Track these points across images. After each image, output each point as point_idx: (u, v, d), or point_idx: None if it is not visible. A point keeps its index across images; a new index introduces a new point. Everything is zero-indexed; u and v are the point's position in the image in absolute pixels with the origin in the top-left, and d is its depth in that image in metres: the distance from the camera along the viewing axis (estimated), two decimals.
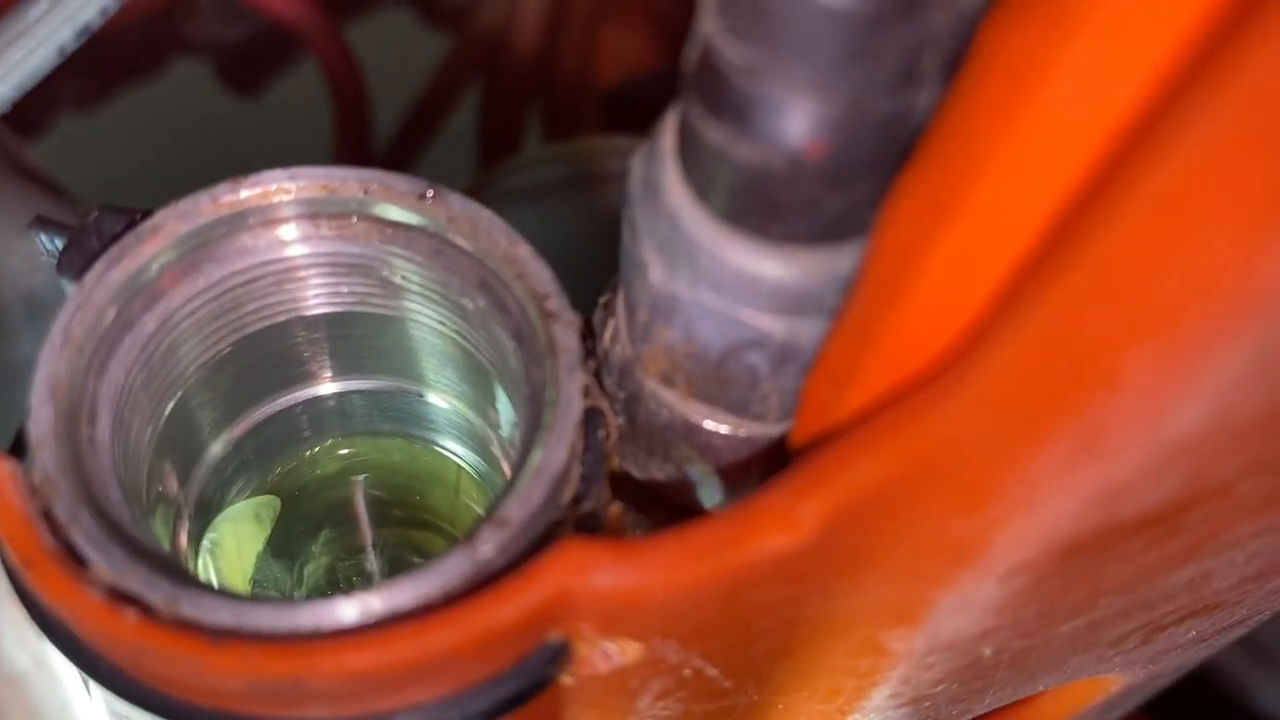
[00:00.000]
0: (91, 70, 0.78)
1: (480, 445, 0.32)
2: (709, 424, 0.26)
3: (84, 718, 0.33)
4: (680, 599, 0.22)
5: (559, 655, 0.23)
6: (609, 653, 0.24)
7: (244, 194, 0.26)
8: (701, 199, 0.22)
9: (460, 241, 0.27)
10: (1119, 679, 0.34)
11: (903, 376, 0.19)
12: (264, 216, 0.27)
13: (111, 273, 0.25)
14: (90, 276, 0.25)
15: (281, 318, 0.29)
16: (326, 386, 0.31)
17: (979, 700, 0.30)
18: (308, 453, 0.33)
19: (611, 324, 0.27)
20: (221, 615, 0.21)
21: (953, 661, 0.26)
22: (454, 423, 0.32)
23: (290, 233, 0.27)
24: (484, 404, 0.31)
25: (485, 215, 0.27)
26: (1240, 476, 0.20)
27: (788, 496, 0.20)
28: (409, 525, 0.35)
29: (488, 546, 0.23)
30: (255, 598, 0.27)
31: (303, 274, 0.28)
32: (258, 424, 0.31)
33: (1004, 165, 0.16)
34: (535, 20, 0.73)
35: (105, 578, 0.22)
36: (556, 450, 0.24)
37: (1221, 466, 0.20)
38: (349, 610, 0.22)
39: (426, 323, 0.29)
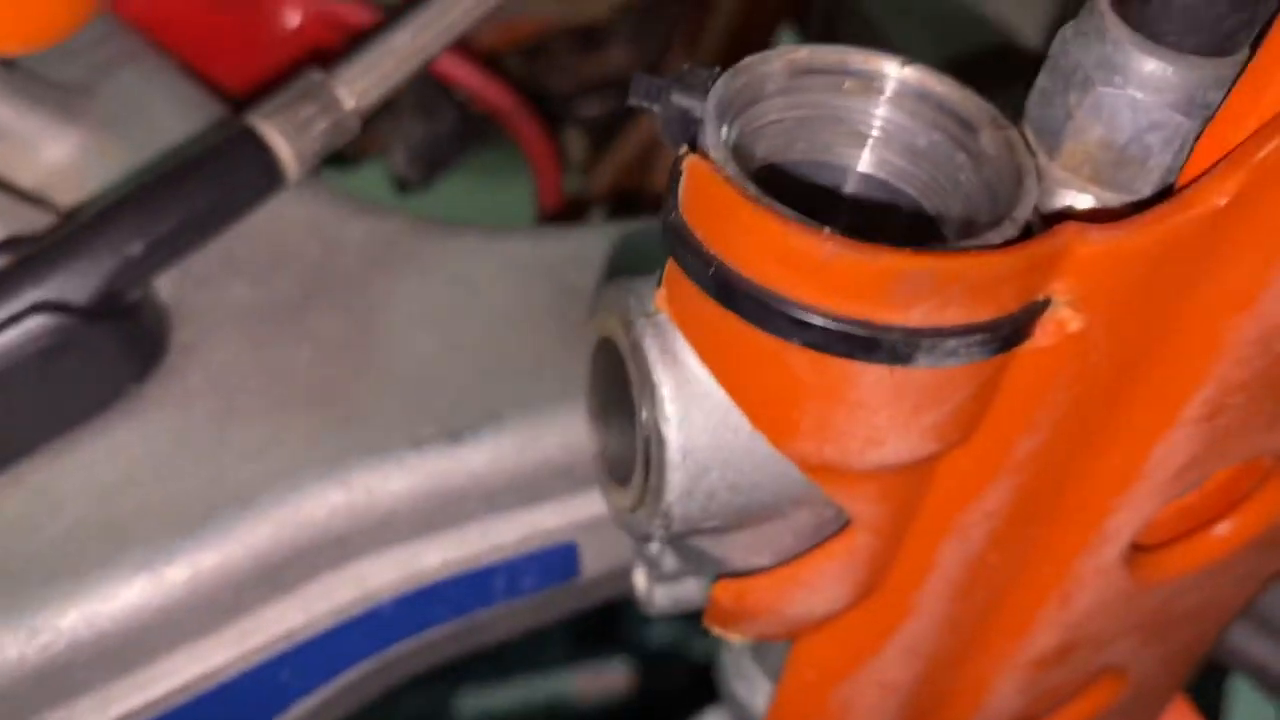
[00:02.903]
0: None
1: None
2: (1094, 203, 0.40)
3: None
4: (1139, 255, 0.36)
5: (1042, 309, 0.37)
6: (1065, 320, 0.37)
7: (798, 55, 0.41)
8: (1137, 29, 0.37)
9: (929, 90, 0.41)
10: None
11: None
12: (805, 70, 0.41)
13: (732, 81, 0.39)
14: (721, 81, 0.39)
15: (778, 158, 0.43)
16: None
17: (1243, 438, 0.43)
18: None
19: None
20: (870, 243, 0.35)
21: (1256, 359, 0.40)
22: None
23: (814, 84, 0.42)
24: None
25: (943, 73, 0.42)
26: None
27: (1218, 175, 0.35)
28: None
29: (1010, 231, 0.37)
30: None
31: (803, 124, 0.42)
32: None
33: None
34: None
35: (795, 218, 0.35)
36: (1031, 188, 0.38)
37: None
38: (943, 247, 0.35)
39: (882, 171, 0.43)
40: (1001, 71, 0.81)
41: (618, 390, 0.44)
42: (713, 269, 0.36)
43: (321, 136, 0.62)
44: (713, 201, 0.36)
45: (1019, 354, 0.38)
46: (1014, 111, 0.42)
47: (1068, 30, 0.40)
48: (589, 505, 0.61)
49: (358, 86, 0.64)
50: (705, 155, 0.37)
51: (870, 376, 0.37)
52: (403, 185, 1.03)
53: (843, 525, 0.45)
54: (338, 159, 1.01)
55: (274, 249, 0.64)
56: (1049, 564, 0.48)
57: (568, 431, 0.59)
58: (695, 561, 0.50)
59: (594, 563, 0.64)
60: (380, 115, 1.00)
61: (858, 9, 0.84)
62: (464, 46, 0.97)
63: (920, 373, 0.36)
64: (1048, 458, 0.43)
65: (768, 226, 0.35)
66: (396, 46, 0.66)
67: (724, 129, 0.39)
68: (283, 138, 0.61)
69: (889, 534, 0.44)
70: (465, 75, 0.87)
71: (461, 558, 0.60)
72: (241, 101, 0.76)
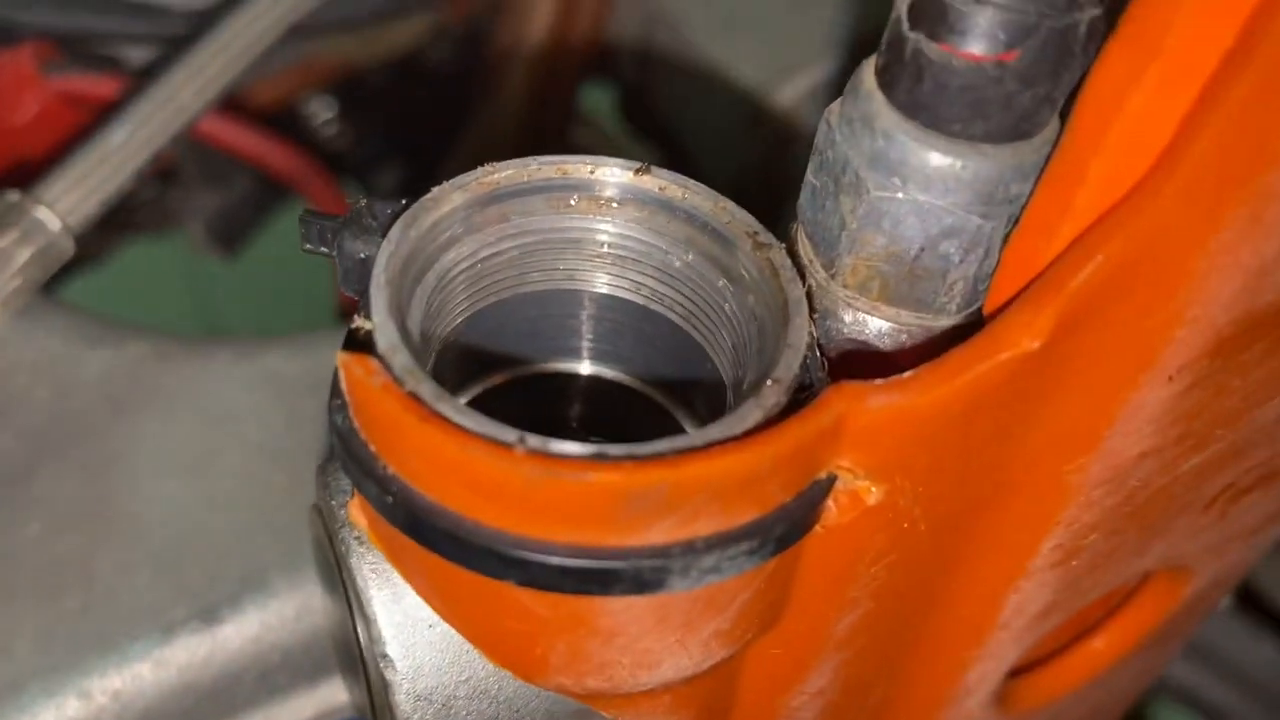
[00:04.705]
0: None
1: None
2: (892, 327, 0.32)
3: None
4: (935, 415, 0.28)
5: (826, 490, 0.29)
6: (860, 493, 0.29)
7: (499, 175, 0.32)
8: (910, 117, 0.29)
9: (674, 202, 0.33)
10: (1191, 579, 0.41)
11: (1109, 204, 0.26)
12: (515, 193, 0.33)
13: (410, 231, 0.31)
14: (395, 231, 0.30)
15: (506, 294, 0.34)
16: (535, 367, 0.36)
17: (1106, 571, 0.36)
18: None
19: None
20: (582, 450, 0.26)
21: (1108, 498, 0.32)
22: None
23: (532, 207, 0.33)
24: (669, 374, 0.36)
25: (690, 180, 0.33)
26: None
27: (1027, 310, 0.27)
28: None
29: (772, 399, 0.28)
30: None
31: (529, 253, 0.34)
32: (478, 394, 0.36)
33: (1189, 15, 0.24)
34: None
35: (480, 431, 0.26)
36: (800, 332, 0.30)
37: None
38: (682, 441, 0.27)
39: (636, 295, 0.34)
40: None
41: (340, 597, 0.35)
42: (392, 495, 0.28)
43: (26, 269, 0.52)
44: (376, 411, 0.27)
45: (813, 535, 0.30)
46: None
47: (831, 115, 0.31)
48: None
49: (65, 203, 0.54)
50: (368, 343, 0.28)
51: (617, 606, 0.28)
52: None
53: None
54: (134, 230, 0.91)
55: None
56: None
57: None
58: None
59: None
60: (171, 188, 0.90)
61: (670, 56, 0.75)
62: (248, 102, 0.87)
63: (680, 595, 0.28)
64: (877, 628, 0.35)
65: (446, 446, 0.26)
66: (112, 148, 0.56)
67: (405, 291, 0.30)
68: None
69: None
70: (243, 143, 0.77)
71: None
72: None
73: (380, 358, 0.28)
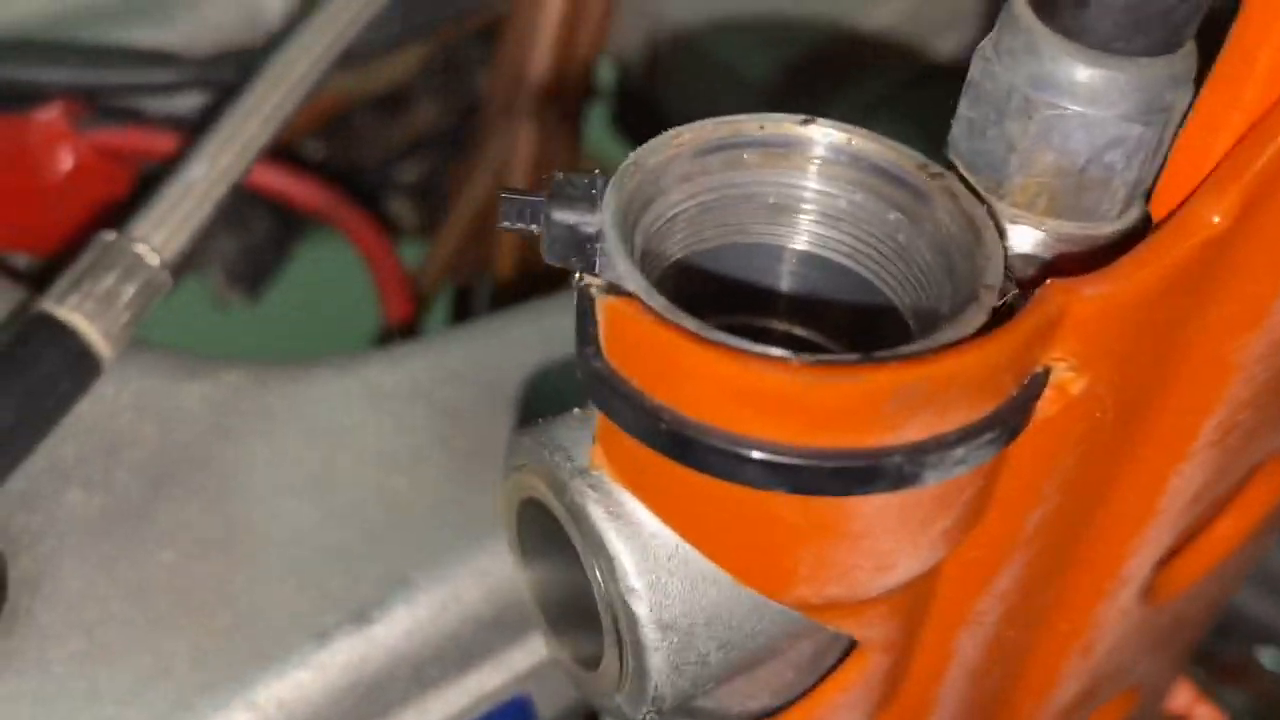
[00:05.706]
0: None
1: None
2: (1056, 238, 0.35)
3: None
4: (1138, 301, 0.31)
5: (1044, 382, 0.32)
6: (1066, 384, 0.32)
7: (683, 138, 0.35)
8: (1072, 39, 0.32)
9: (841, 148, 0.36)
10: None
11: (1277, 94, 0.29)
12: (698, 153, 0.35)
13: (620, 193, 0.33)
14: (610, 194, 0.33)
15: (685, 250, 0.37)
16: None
17: (1247, 452, 0.39)
18: None
19: None
20: (850, 356, 0.29)
21: (1263, 373, 0.35)
22: None
23: (710, 166, 0.35)
24: (840, 319, 0.39)
25: (854, 126, 0.36)
26: None
27: (1213, 194, 0.30)
28: None
29: (990, 302, 0.31)
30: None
31: (707, 210, 0.36)
32: None
33: None
34: None
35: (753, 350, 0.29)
36: (995, 244, 0.33)
37: None
38: (928, 342, 0.29)
39: (805, 243, 0.37)
40: (845, 67, 0.77)
41: (558, 549, 0.37)
42: (664, 423, 0.30)
43: (132, 305, 0.54)
44: (647, 345, 0.29)
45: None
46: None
47: (987, 49, 0.34)
48: (532, 651, 0.54)
49: (159, 237, 0.55)
50: (618, 288, 0.31)
51: (872, 506, 0.31)
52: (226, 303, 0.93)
53: (846, 648, 0.39)
54: None
55: (103, 440, 0.55)
56: (1066, 621, 0.43)
57: (488, 577, 0.52)
58: (683, 716, 0.44)
59: (551, 704, 0.57)
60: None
61: (682, 33, 0.79)
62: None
63: (928, 489, 0.31)
64: (1057, 523, 0.37)
65: (724, 366, 0.28)
66: (193, 181, 0.57)
67: (632, 245, 0.33)
68: (86, 319, 0.52)
69: (901, 646, 0.38)
70: (273, 182, 0.78)
71: None
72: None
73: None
